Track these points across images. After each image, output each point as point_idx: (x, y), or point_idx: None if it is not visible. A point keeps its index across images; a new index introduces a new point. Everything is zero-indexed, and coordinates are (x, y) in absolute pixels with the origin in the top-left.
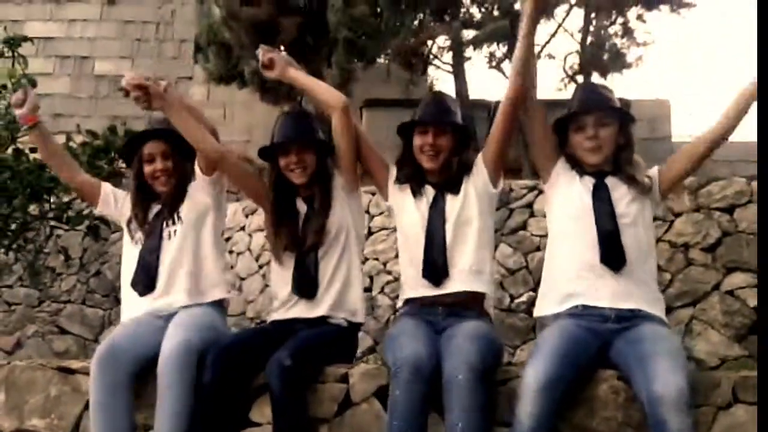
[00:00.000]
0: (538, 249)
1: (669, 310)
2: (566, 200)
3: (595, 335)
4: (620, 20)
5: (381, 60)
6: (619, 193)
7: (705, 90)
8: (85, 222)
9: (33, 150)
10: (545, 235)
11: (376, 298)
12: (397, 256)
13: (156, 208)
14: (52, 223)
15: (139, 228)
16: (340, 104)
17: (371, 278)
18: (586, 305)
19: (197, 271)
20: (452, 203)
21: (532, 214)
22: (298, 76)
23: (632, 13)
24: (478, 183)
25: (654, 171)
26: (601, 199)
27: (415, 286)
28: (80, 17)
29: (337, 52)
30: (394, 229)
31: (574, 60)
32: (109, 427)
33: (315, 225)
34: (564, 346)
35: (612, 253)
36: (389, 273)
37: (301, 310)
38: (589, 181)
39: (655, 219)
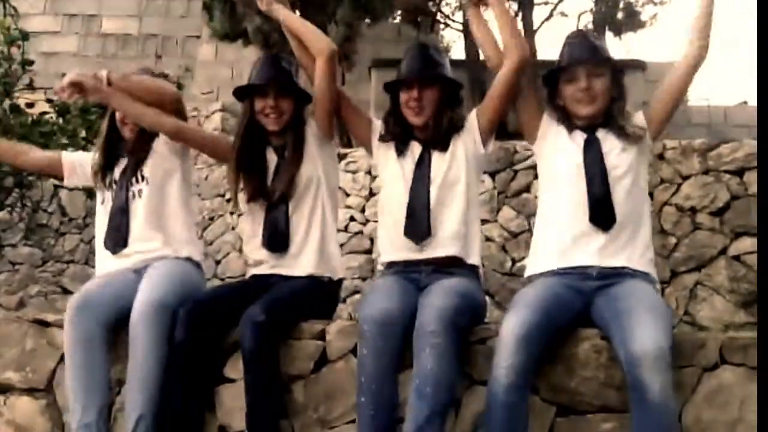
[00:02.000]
0: None
1: (674, 274)
2: (555, 159)
3: (577, 293)
4: None
5: (393, 18)
6: (611, 145)
7: (722, 52)
8: None
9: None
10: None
11: (377, 261)
12: None
13: (122, 163)
14: (55, 182)
15: (104, 186)
16: (328, 49)
17: (372, 240)
18: (568, 266)
19: (166, 232)
20: (438, 161)
21: (535, 176)
22: (286, 14)
23: None
24: (467, 141)
25: (640, 116)
26: (592, 157)
27: (396, 248)
28: None
29: (342, 7)
30: None
31: (588, 19)
32: (83, 379)
33: (285, 175)
34: (545, 299)
35: (601, 213)
36: None
37: (278, 267)
38: (579, 137)
39: (662, 182)
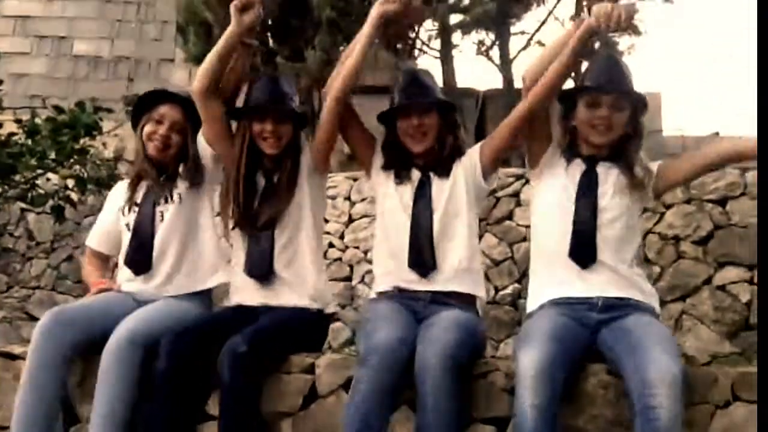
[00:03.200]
0: (524, 239)
1: (659, 303)
2: (549, 193)
3: (582, 325)
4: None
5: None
6: (608, 182)
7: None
8: (48, 202)
9: None
10: (530, 225)
11: (357, 288)
12: None
13: (144, 186)
14: (22, 205)
15: (128, 204)
16: (343, 94)
17: (351, 267)
18: (570, 296)
19: (193, 258)
20: (439, 188)
21: (518, 204)
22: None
23: (624, 1)
24: (468, 171)
25: (654, 166)
26: (586, 192)
27: (397, 279)
28: None
29: (321, 33)
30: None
31: None
32: (32, 404)
33: (275, 201)
34: (557, 332)
35: (581, 250)
36: (370, 262)
37: (262, 295)
38: (577, 169)
39: (645, 210)
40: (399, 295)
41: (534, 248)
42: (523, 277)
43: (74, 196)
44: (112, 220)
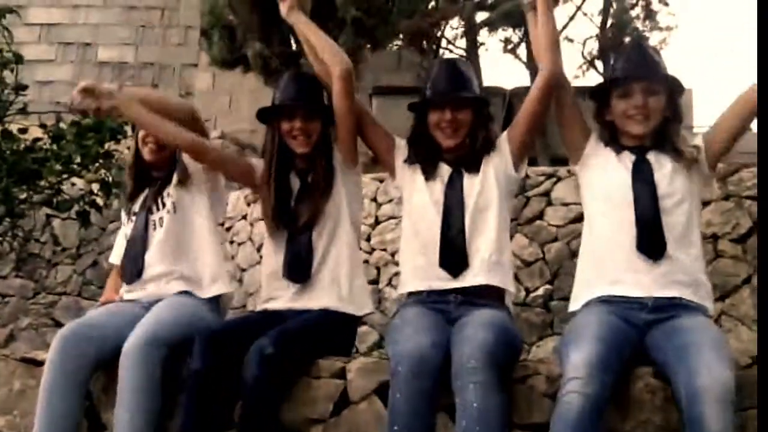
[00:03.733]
0: (555, 239)
1: None
2: (602, 182)
3: (630, 325)
4: (642, 2)
5: (391, 46)
6: (663, 169)
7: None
8: (74, 207)
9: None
10: (563, 225)
11: (384, 291)
12: None
13: (146, 190)
14: (48, 211)
15: (127, 217)
16: (341, 68)
17: (378, 269)
18: (618, 295)
19: (190, 265)
20: (470, 183)
21: (549, 203)
22: (304, 24)
23: None
24: (498, 164)
25: (699, 140)
26: (642, 180)
27: (426, 276)
28: (84, 3)
29: (345, 33)
30: None
31: (593, 45)
32: (54, 415)
33: (312, 201)
34: (606, 333)
35: (650, 242)
36: (398, 264)
37: (294, 299)
38: (628, 158)
39: None
40: (428, 298)
41: (587, 242)
42: (555, 278)
43: (99, 200)
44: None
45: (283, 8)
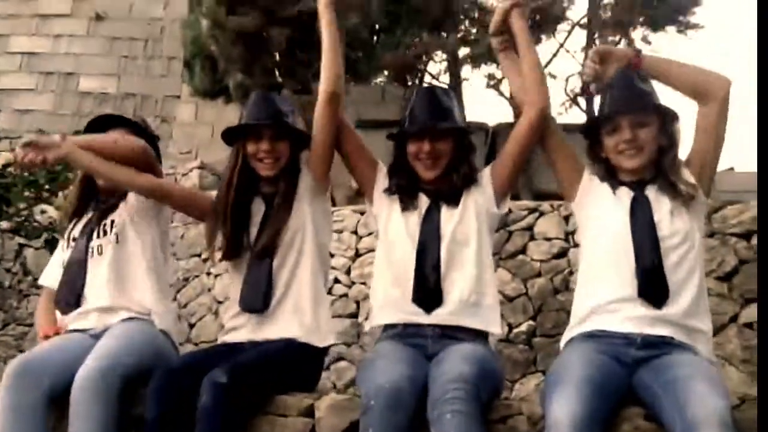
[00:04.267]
0: (538, 275)
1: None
2: (598, 222)
3: (618, 362)
4: (624, 41)
5: (376, 81)
6: (662, 207)
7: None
8: (42, 235)
9: None
10: (546, 260)
11: (363, 325)
12: None
13: (89, 214)
14: (21, 240)
15: (66, 241)
16: (333, 89)
17: (358, 303)
18: (605, 329)
19: (130, 297)
20: (448, 216)
21: (532, 237)
22: (329, 25)
23: (637, 33)
24: (479, 198)
25: (684, 171)
26: (641, 220)
27: (397, 310)
28: (67, 32)
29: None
30: None
31: (576, 82)
32: None
33: (271, 226)
34: (592, 374)
35: (653, 288)
36: None
37: (255, 330)
38: (626, 195)
39: None
40: (404, 331)
41: (582, 287)
42: (538, 314)
43: None
44: (61, 255)
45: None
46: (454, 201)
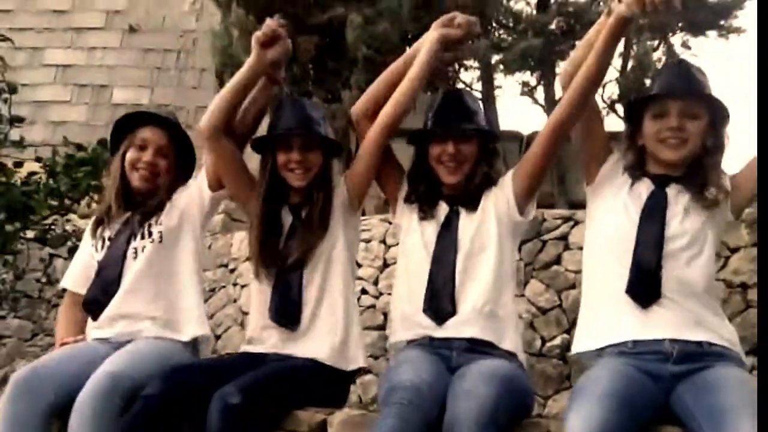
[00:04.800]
0: (573, 286)
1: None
2: (608, 213)
3: (653, 379)
4: (663, 46)
5: None
6: (679, 204)
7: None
8: (66, 243)
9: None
10: (581, 271)
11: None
12: None
13: (124, 216)
14: (51, 250)
15: (97, 242)
16: (395, 121)
17: (385, 315)
18: (636, 340)
19: (169, 303)
20: (466, 222)
21: (566, 247)
22: (430, 49)
23: (677, 38)
24: (500, 203)
25: (727, 180)
26: (651, 216)
27: (411, 325)
28: (100, 45)
29: (356, 72)
30: None
31: (614, 89)
32: None
33: (305, 239)
34: (618, 390)
35: (641, 287)
36: None
37: (281, 343)
38: (644, 189)
39: None
40: (430, 343)
41: (587, 281)
42: (573, 327)
43: None
44: (88, 256)
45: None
46: (472, 205)
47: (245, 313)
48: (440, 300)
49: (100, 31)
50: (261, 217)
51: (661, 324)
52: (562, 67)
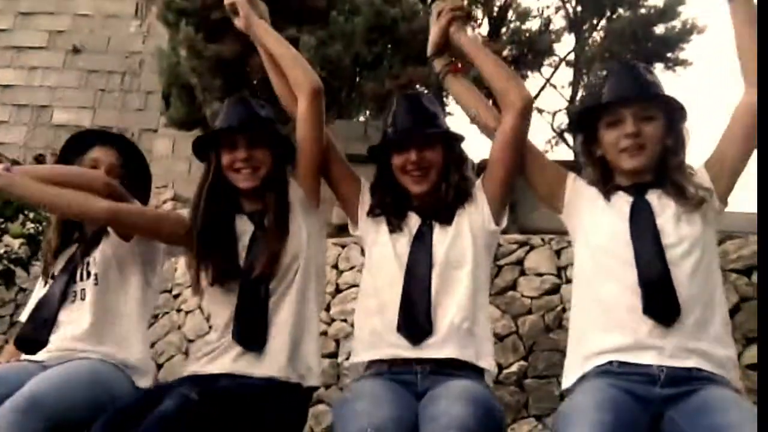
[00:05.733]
0: (529, 312)
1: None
2: (592, 231)
3: (641, 403)
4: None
5: (359, 118)
6: (666, 211)
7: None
8: None
9: None
10: (537, 297)
11: (343, 365)
12: None
13: (70, 251)
14: None
15: (45, 274)
16: (315, 85)
17: (337, 342)
18: (623, 362)
19: (109, 347)
20: (441, 237)
21: (522, 273)
22: (266, 31)
23: None
24: (474, 216)
25: (702, 171)
26: (642, 229)
27: (381, 343)
28: (42, 65)
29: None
30: None
31: (563, 119)
32: None
33: (267, 248)
34: (608, 416)
35: (660, 304)
36: None
37: (236, 361)
38: (623, 202)
39: None
40: (389, 370)
41: (576, 309)
42: (530, 353)
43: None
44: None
45: (240, 18)
46: (447, 219)
47: (190, 341)
48: (416, 316)
49: (42, 51)
50: (206, 228)
51: (664, 350)
52: None
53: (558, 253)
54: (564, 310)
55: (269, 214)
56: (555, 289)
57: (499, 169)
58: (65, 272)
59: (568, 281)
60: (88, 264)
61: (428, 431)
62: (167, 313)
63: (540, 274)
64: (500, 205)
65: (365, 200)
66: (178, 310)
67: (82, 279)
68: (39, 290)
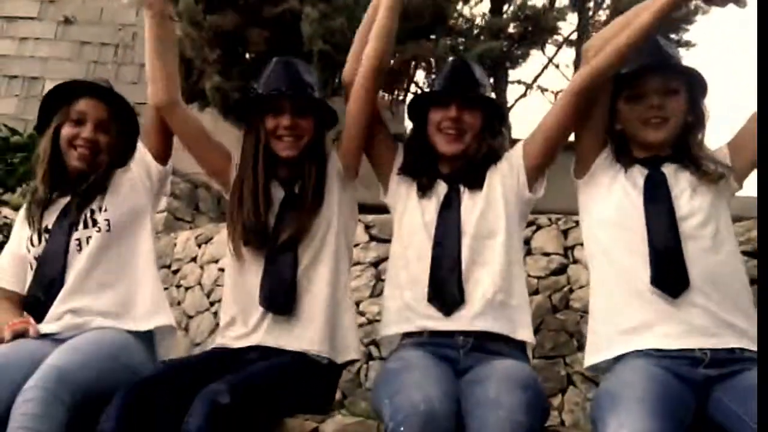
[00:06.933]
0: (536, 292)
1: None
2: (607, 203)
3: (688, 385)
4: None
5: None
6: (682, 184)
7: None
8: None
9: None
10: (544, 277)
11: (379, 334)
12: (372, 295)
13: (62, 203)
14: None
15: (34, 233)
16: (382, 63)
17: (364, 314)
18: (660, 348)
19: (121, 297)
20: (471, 203)
21: (529, 252)
22: None
23: None
24: (508, 179)
25: (723, 150)
26: (656, 199)
27: (412, 316)
28: (33, 35)
29: (312, 66)
30: (370, 264)
31: None
32: None
33: (299, 217)
34: (658, 395)
35: (666, 274)
36: (362, 314)
37: (269, 334)
38: (638, 173)
39: None
40: (430, 340)
41: (595, 282)
42: (537, 333)
43: None
44: (20, 249)
45: None
46: (476, 183)
47: (190, 317)
48: (447, 288)
49: (33, 21)
50: (254, 192)
51: (691, 327)
52: (515, 75)
53: (565, 233)
54: (571, 290)
55: (306, 184)
56: (562, 269)
57: (547, 132)
58: (61, 224)
59: (575, 261)
60: (92, 213)
61: (477, 416)
62: (167, 288)
63: (547, 254)
64: (537, 172)
65: (399, 161)
66: (178, 286)
67: (86, 227)
68: (17, 245)
